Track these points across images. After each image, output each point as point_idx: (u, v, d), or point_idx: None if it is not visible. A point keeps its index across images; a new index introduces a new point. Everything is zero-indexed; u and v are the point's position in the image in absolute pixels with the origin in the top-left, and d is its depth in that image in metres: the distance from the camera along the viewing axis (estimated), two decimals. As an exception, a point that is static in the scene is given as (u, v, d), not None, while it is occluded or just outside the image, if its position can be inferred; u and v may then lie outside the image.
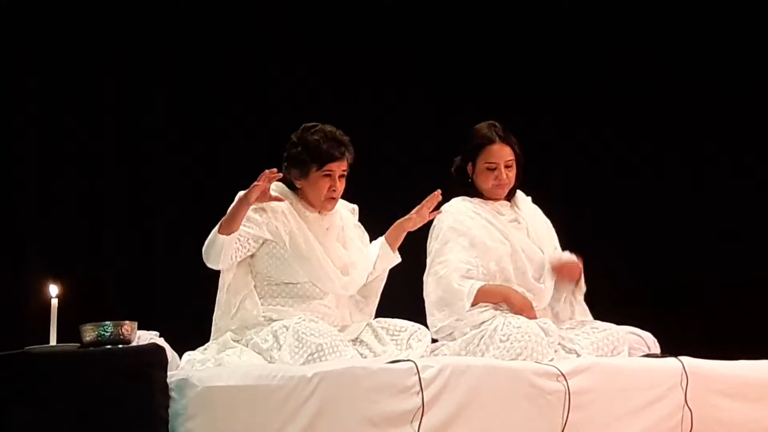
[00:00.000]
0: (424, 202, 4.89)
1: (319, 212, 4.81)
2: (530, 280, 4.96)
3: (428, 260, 4.99)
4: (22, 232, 5.94)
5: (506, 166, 5.02)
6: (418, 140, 6.65)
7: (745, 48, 6.93)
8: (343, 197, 4.87)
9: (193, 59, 6.33)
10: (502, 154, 5.01)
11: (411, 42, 6.73)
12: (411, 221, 4.92)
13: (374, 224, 5.03)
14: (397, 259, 4.98)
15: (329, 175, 4.73)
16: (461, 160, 5.10)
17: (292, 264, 4.68)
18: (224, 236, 4.53)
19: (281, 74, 6.48)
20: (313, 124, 4.80)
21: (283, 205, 4.73)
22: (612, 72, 6.92)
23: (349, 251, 4.84)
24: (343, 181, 4.78)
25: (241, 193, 4.55)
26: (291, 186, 4.81)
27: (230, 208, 4.56)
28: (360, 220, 5.00)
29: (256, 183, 4.50)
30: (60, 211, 6.01)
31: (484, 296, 4.84)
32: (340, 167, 4.74)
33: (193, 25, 6.33)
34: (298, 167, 4.76)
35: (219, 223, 4.55)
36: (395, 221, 4.97)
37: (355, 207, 5.00)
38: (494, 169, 5.01)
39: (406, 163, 6.59)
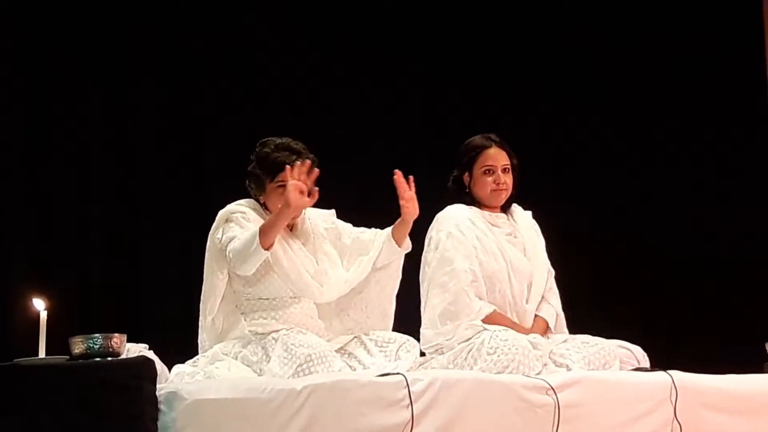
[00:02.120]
0: (402, 190, 4.71)
1: (290, 229, 4.78)
2: (519, 300, 4.94)
3: (428, 270, 4.94)
4: (11, 244, 5.92)
5: (503, 170, 5.01)
6: (414, 141, 6.65)
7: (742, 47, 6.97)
8: (328, 199, 4.82)
9: (178, 65, 6.32)
10: (499, 157, 5.01)
11: (407, 41, 6.73)
12: (410, 212, 4.73)
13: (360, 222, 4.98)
14: (404, 250, 4.82)
15: (284, 186, 4.64)
16: (457, 170, 5.08)
17: (273, 279, 4.66)
18: (266, 251, 4.50)
19: (267, 74, 6.49)
20: (267, 138, 4.78)
21: (258, 219, 4.71)
22: (611, 73, 6.94)
23: (318, 260, 4.79)
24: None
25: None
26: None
27: (272, 218, 4.53)
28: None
29: (289, 183, 4.45)
30: (48, 223, 5.98)
31: (492, 321, 4.83)
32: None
33: (180, 21, 6.33)
34: (255, 182, 4.75)
35: (258, 232, 4.48)
36: (381, 222, 4.88)
37: (332, 211, 4.90)
38: (492, 173, 5.00)
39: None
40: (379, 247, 4.81)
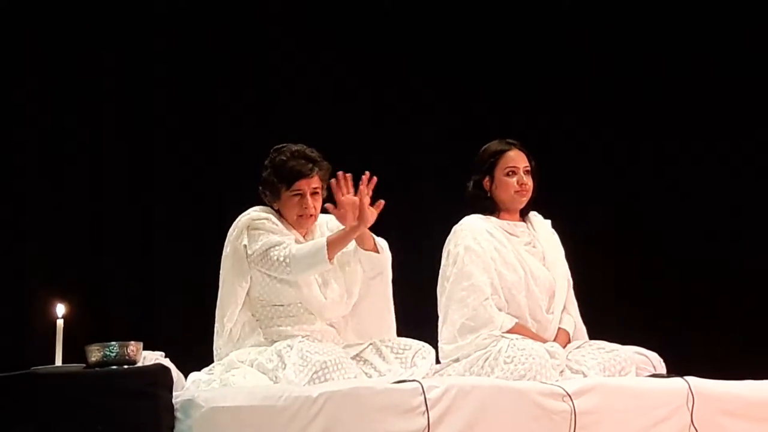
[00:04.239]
0: (336, 194, 4.60)
1: (304, 236, 4.77)
2: (539, 310, 4.92)
3: (447, 285, 4.90)
4: (27, 253, 5.94)
5: (525, 173, 4.99)
6: (415, 140, 6.65)
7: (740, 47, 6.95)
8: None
9: (192, 70, 6.33)
10: (520, 159, 5.00)
11: (410, 41, 6.74)
12: (347, 219, 4.58)
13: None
14: (379, 256, 4.71)
15: (299, 194, 4.67)
16: (478, 175, 5.03)
17: (284, 286, 4.66)
18: (330, 263, 4.54)
19: (282, 76, 6.50)
20: (282, 144, 4.76)
21: (282, 227, 4.71)
22: (623, 77, 6.93)
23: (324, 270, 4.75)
24: (318, 198, 4.70)
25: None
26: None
27: (342, 234, 4.55)
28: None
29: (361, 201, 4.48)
30: (65, 231, 6.00)
31: (518, 332, 4.81)
32: (309, 185, 4.67)
33: (195, 26, 6.34)
34: (269, 189, 4.74)
35: (326, 244, 4.51)
36: (388, 230, 4.83)
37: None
38: (515, 174, 4.98)
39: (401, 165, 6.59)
40: (357, 256, 4.76)
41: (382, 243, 4.78)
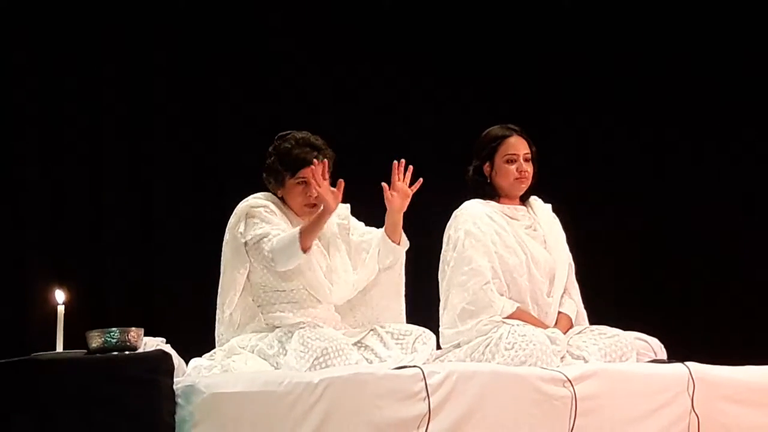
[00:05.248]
0: (393, 176, 4.70)
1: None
2: (540, 294, 4.92)
3: (447, 270, 4.90)
4: (28, 239, 5.95)
5: (525, 160, 4.98)
6: (416, 138, 6.66)
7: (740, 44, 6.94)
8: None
9: (192, 57, 6.33)
10: (520, 146, 4.98)
11: (410, 40, 6.74)
12: (393, 203, 4.69)
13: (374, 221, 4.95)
14: (401, 248, 4.80)
15: (304, 182, 4.68)
16: (478, 160, 5.02)
17: (289, 273, 4.65)
18: (305, 254, 4.52)
19: (282, 63, 6.50)
20: (286, 132, 4.76)
21: (278, 212, 4.71)
22: (628, 72, 6.93)
23: (330, 256, 4.78)
24: None
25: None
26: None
27: (313, 223, 4.55)
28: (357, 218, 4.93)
29: (322, 189, 4.49)
30: (65, 217, 6.01)
31: (516, 318, 4.81)
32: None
33: (195, 13, 6.33)
34: (273, 177, 4.73)
35: (299, 233, 4.51)
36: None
37: (347, 205, 4.86)
38: (515, 161, 4.97)
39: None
40: (378, 244, 4.79)
41: (405, 241, 4.79)
